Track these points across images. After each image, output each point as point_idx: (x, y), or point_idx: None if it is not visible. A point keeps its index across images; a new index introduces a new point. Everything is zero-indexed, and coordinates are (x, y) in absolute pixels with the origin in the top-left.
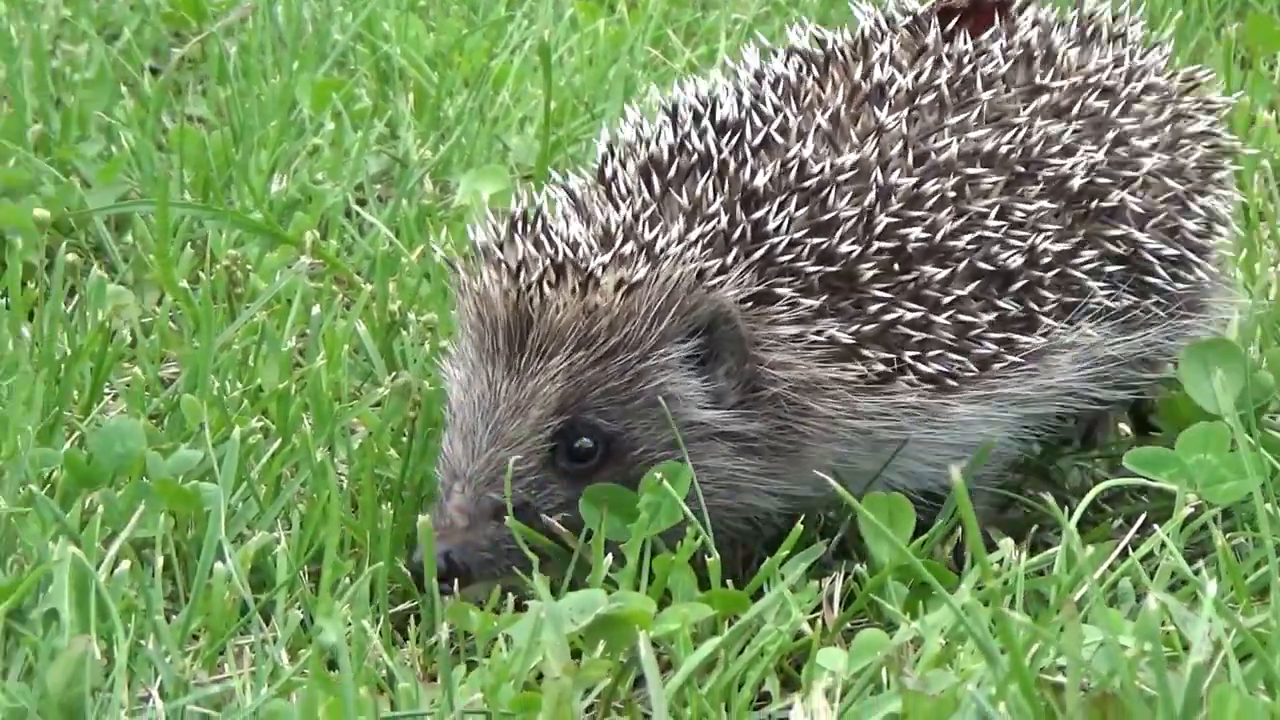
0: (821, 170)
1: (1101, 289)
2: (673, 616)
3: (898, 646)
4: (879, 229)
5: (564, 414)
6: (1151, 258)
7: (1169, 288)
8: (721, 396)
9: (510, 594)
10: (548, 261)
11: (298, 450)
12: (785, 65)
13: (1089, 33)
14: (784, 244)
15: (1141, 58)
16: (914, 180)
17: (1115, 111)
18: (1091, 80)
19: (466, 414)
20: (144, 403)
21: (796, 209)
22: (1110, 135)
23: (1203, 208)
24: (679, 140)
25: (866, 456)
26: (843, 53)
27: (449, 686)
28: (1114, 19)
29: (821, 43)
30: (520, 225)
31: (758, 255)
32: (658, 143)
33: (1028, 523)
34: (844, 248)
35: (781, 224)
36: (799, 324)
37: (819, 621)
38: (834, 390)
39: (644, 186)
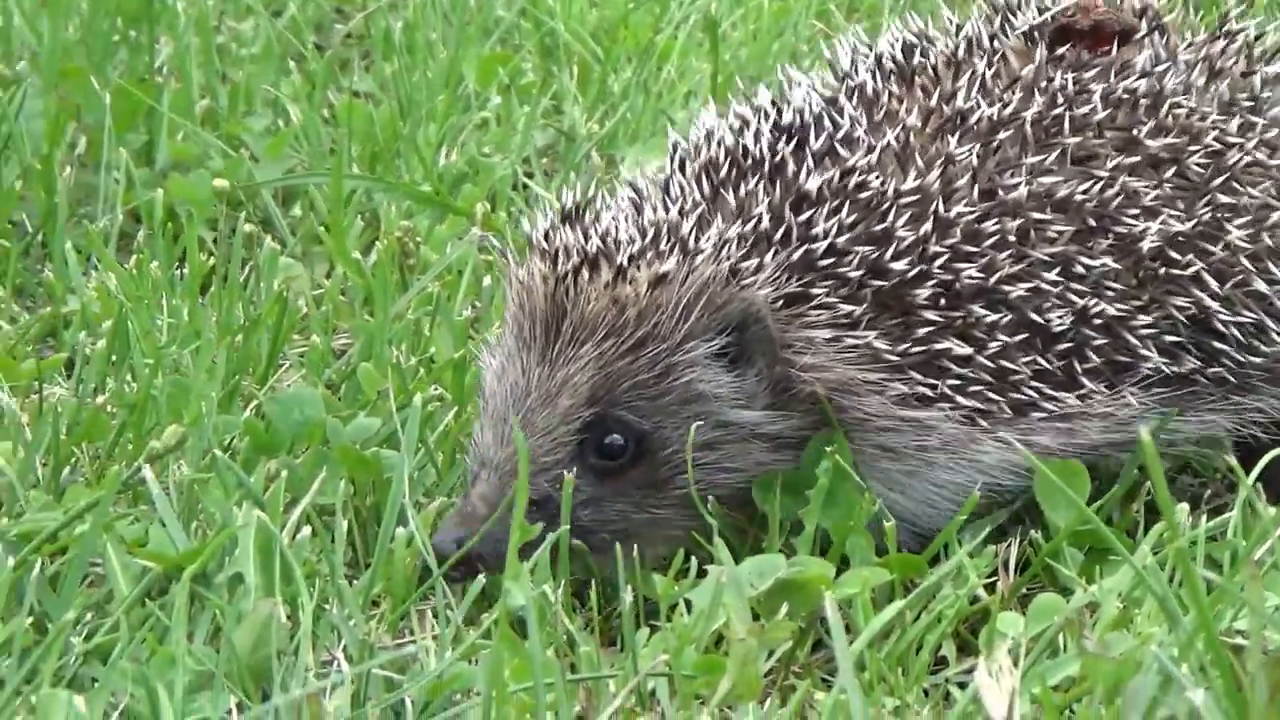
0: (882, 186)
1: (1161, 359)
2: (852, 581)
3: (1075, 610)
4: (933, 259)
5: (594, 405)
6: (1222, 327)
7: (1240, 356)
8: (754, 397)
9: (693, 558)
10: (583, 252)
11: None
12: (873, 73)
13: (1213, 68)
14: (829, 248)
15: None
16: (975, 215)
17: (1216, 180)
18: (1197, 143)
19: (498, 402)
20: (320, 372)
21: (848, 216)
22: (1202, 205)
23: None
24: (740, 143)
25: (885, 471)
26: (934, 68)
27: (633, 650)
28: (1251, 43)
29: (914, 49)
30: (570, 217)
31: (798, 256)
32: (720, 144)
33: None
34: (897, 265)
35: (831, 228)
36: (835, 328)
37: (995, 587)
38: (871, 396)
39: (697, 187)
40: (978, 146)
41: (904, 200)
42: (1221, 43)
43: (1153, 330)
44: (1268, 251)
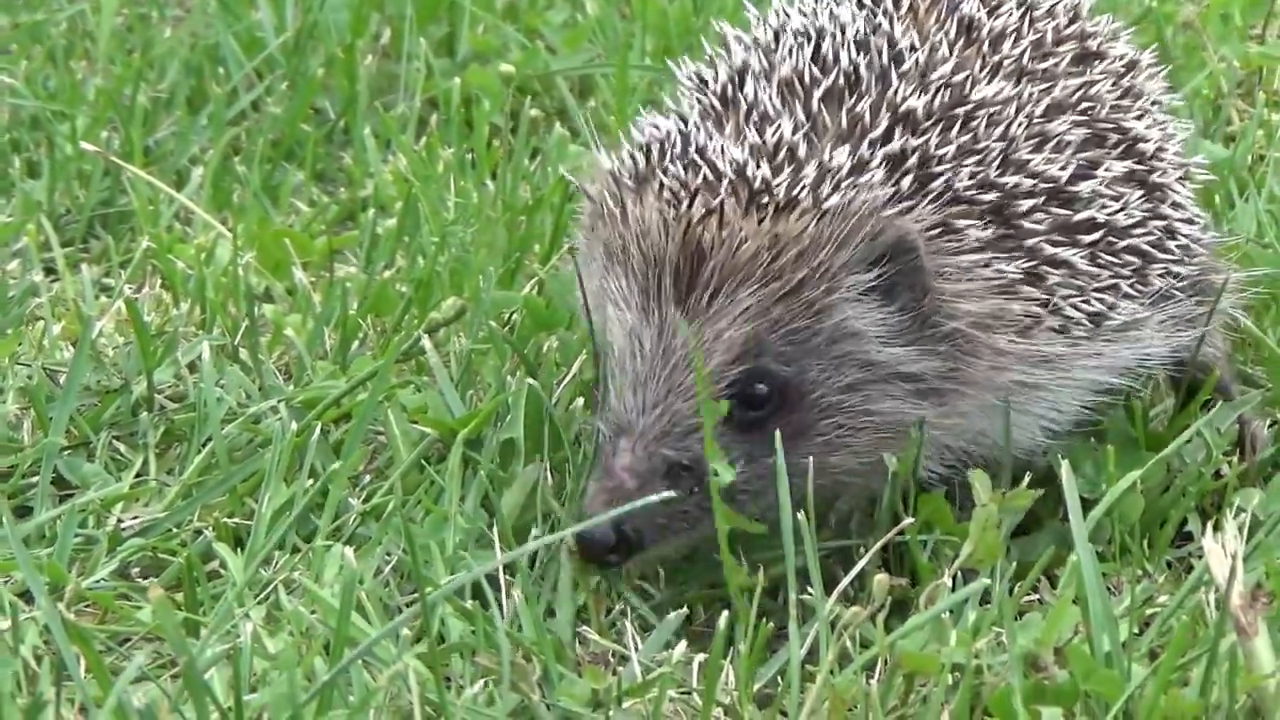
0: (971, 97)
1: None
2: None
3: None
4: (1019, 164)
5: (745, 361)
6: (1182, 240)
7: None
8: (902, 332)
9: None
10: (723, 186)
11: None
12: (854, 11)
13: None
14: (950, 170)
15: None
16: (1040, 116)
17: (1142, 100)
18: (1115, 69)
19: (638, 363)
20: None
21: (957, 135)
22: (1151, 117)
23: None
24: (813, 59)
25: (998, 409)
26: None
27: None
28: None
29: None
30: (666, 150)
31: (927, 180)
32: (787, 62)
33: None
34: (1002, 178)
35: (946, 151)
36: (973, 253)
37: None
38: (1006, 328)
39: (792, 104)
40: (1013, 52)
41: (992, 108)
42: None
43: (1154, 239)
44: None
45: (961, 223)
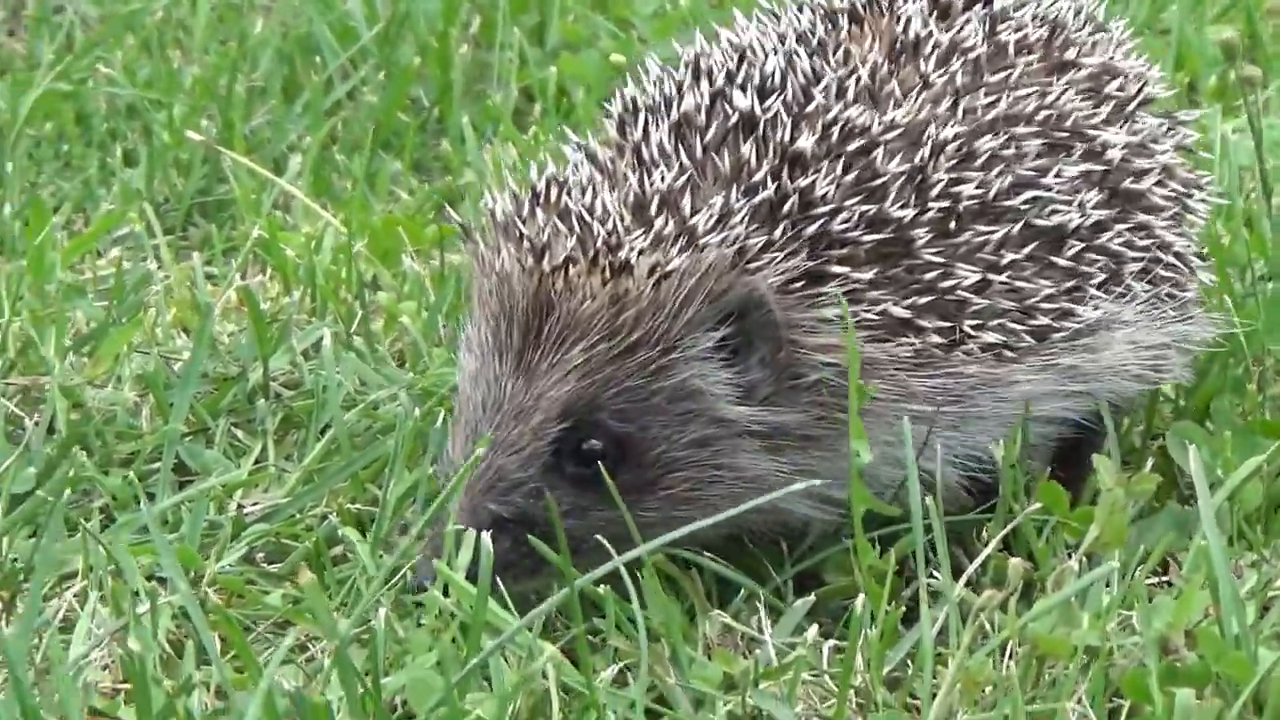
0: (868, 129)
1: (1131, 272)
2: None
3: None
4: (933, 188)
5: (571, 417)
6: (1164, 253)
7: (1175, 292)
8: (754, 389)
9: None
10: (575, 241)
11: None
12: (811, 21)
13: (1098, 26)
14: (832, 212)
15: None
16: (965, 136)
17: (1133, 105)
18: (1108, 71)
19: (470, 412)
20: None
21: (844, 173)
22: (1134, 125)
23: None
24: (712, 98)
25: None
26: (866, 7)
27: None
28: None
29: None
30: (543, 196)
31: (809, 228)
32: (686, 101)
33: None
34: (896, 211)
35: (828, 191)
36: (850, 302)
37: None
38: (885, 370)
39: (679, 150)
40: (947, 69)
41: (892, 135)
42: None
43: (1125, 242)
44: (1187, 184)
45: (837, 269)
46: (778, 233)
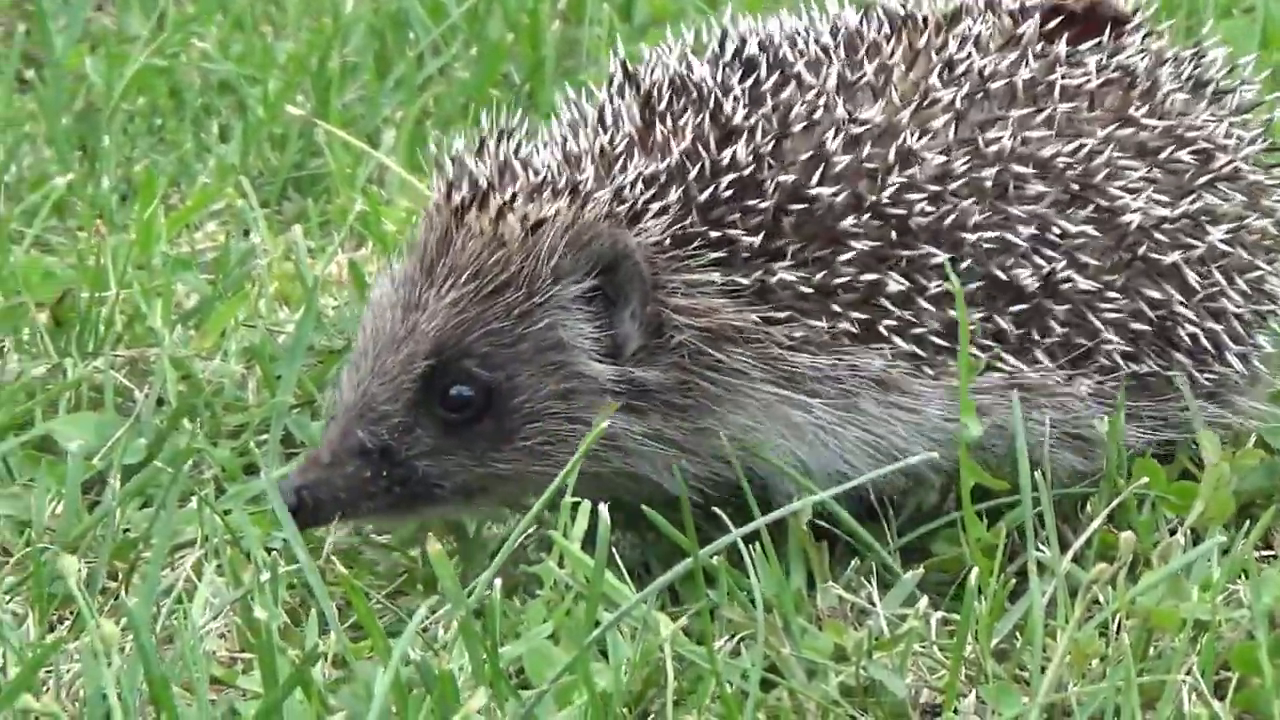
0: (830, 111)
1: (1122, 348)
2: None
3: None
4: (886, 190)
5: (440, 354)
6: (1185, 336)
7: (1194, 373)
8: (621, 346)
9: None
10: (475, 184)
11: None
12: (862, 20)
13: (1198, 82)
14: (740, 179)
15: (1243, 125)
16: (948, 157)
17: (1203, 179)
18: (1191, 134)
19: (363, 338)
20: None
21: (768, 144)
22: (1189, 200)
23: (1256, 290)
24: (685, 72)
25: (795, 425)
26: (925, 20)
27: (1112, 472)
28: (1225, 75)
29: (905, 4)
30: (497, 142)
31: (704, 192)
32: (663, 72)
33: None
34: (822, 190)
35: (748, 158)
36: (726, 267)
37: None
38: (756, 342)
39: (631, 115)
40: (962, 93)
41: (858, 128)
42: (1199, 59)
43: (1119, 316)
44: (1239, 264)
45: (722, 233)
46: (673, 194)
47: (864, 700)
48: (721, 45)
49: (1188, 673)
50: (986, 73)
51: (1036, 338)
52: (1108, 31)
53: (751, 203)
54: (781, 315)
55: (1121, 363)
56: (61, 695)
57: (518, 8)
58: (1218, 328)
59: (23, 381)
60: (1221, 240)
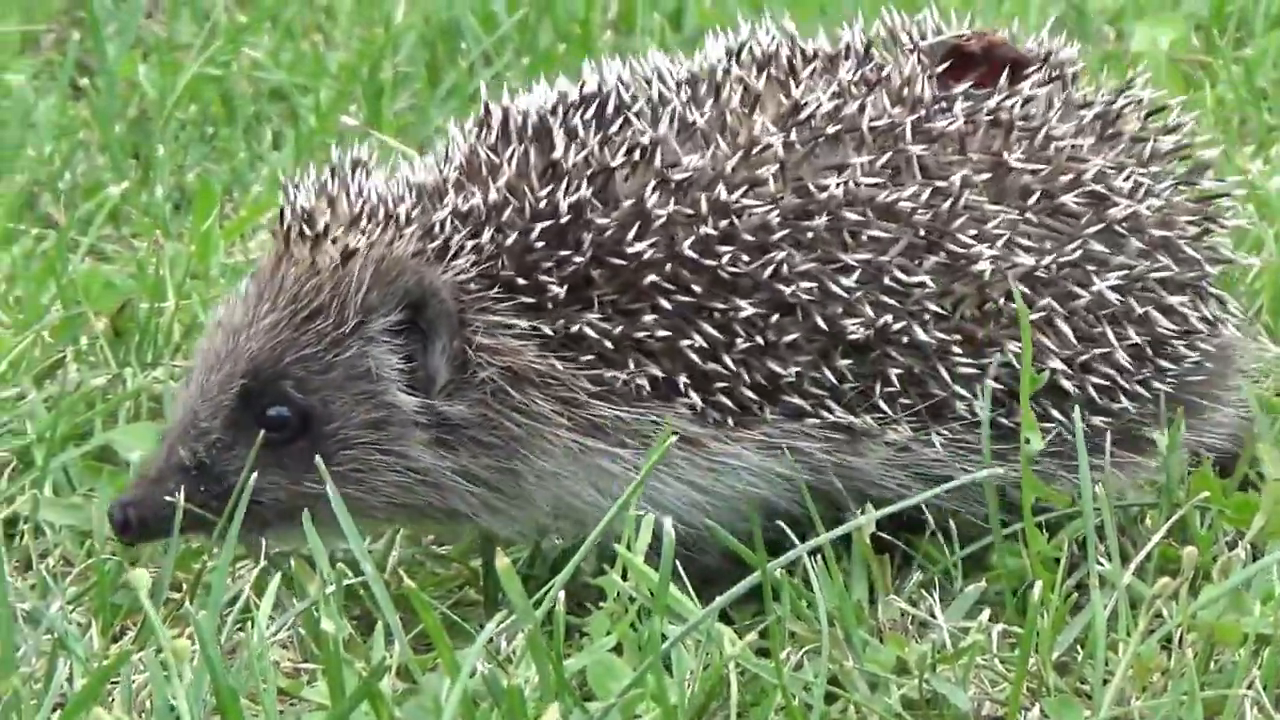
0: (653, 161)
1: (982, 403)
2: None
3: None
4: (691, 241)
5: (256, 375)
6: (1069, 386)
7: (1083, 422)
8: (431, 380)
9: None
10: (302, 215)
11: None
12: (734, 59)
13: (1106, 123)
14: (557, 227)
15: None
16: (768, 207)
17: (1095, 226)
18: (1077, 183)
19: (196, 359)
20: None
21: (590, 191)
22: (1073, 248)
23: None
24: (524, 109)
25: (586, 482)
26: (792, 62)
27: (1169, 485)
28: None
29: (782, 48)
30: (348, 173)
31: (517, 237)
32: (509, 108)
33: None
34: (638, 246)
35: (568, 206)
36: (533, 313)
37: None
38: (556, 389)
39: (468, 150)
40: (800, 137)
41: (677, 176)
42: (1121, 102)
43: (973, 370)
44: (1129, 312)
45: (540, 277)
46: (486, 234)
47: (926, 713)
48: (580, 85)
49: (1249, 686)
50: (831, 114)
51: (878, 388)
52: (1005, 75)
53: (565, 254)
54: (585, 364)
55: (978, 414)
56: (128, 706)
57: (568, 17)
58: (1109, 373)
59: (82, 391)
60: (1111, 288)
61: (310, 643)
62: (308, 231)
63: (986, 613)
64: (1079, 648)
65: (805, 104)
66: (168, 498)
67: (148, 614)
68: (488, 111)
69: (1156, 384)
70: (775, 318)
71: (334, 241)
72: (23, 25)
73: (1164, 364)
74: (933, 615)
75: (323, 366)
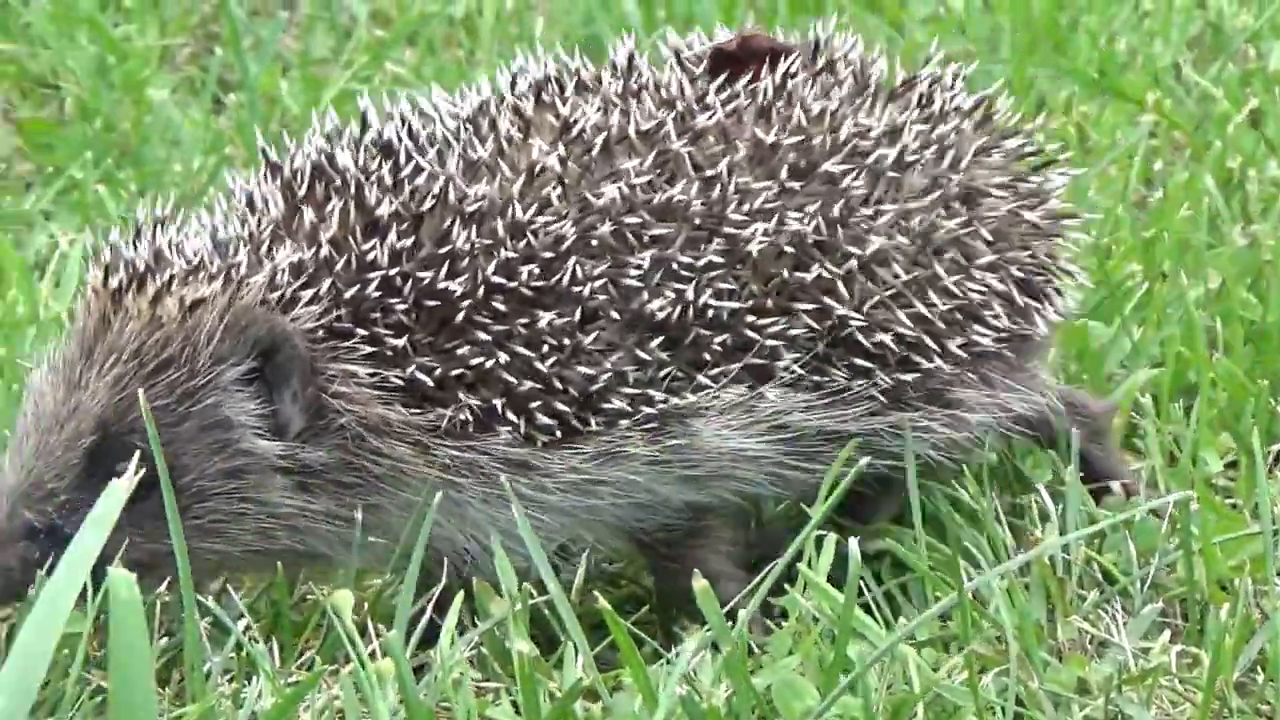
0: (448, 198)
1: (797, 359)
2: None
3: None
4: (493, 266)
5: (101, 432)
6: (866, 342)
7: (887, 376)
8: (285, 426)
9: None
10: (132, 267)
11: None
12: (511, 85)
13: (876, 93)
14: (382, 279)
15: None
16: (556, 221)
17: (862, 189)
18: (838, 146)
19: (25, 422)
20: None
21: (408, 240)
22: (839, 208)
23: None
24: (331, 156)
25: (449, 513)
26: (561, 83)
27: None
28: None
29: (553, 76)
30: (154, 229)
31: (351, 288)
32: (310, 156)
33: None
34: (452, 284)
35: (387, 258)
36: (377, 362)
37: None
38: (406, 434)
39: (278, 201)
40: (573, 153)
41: (469, 209)
42: (905, 90)
43: (780, 330)
44: (929, 278)
45: (372, 329)
46: (324, 285)
47: None
48: (362, 128)
49: None
50: (599, 126)
51: (695, 367)
52: (766, 64)
53: (391, 302)
54: (421, 407)
55: (804, 375)
56: None
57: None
58: (908, 332)
59: None
60: (889, 240)
61: (493, 662)
62: (148, 286)
63: (1166, 634)
64: (1260, 669)
65: (575, 121)
66: (13, 562)
67: (344, 634)
68: (269, 163)
69: (964, 343)
70: (579, 321)
71: (172, 294)
72: (160, 40)
73: (972, 325)
74: (1109, 634)
75: (174, 419)
